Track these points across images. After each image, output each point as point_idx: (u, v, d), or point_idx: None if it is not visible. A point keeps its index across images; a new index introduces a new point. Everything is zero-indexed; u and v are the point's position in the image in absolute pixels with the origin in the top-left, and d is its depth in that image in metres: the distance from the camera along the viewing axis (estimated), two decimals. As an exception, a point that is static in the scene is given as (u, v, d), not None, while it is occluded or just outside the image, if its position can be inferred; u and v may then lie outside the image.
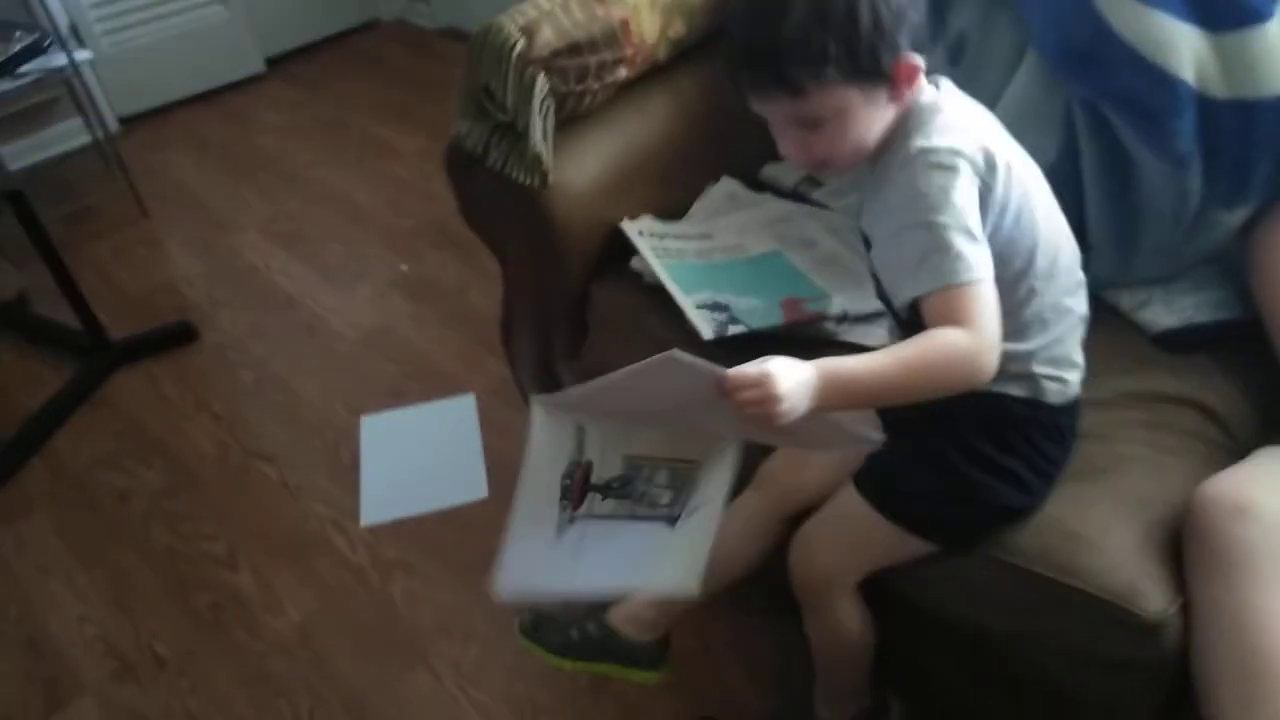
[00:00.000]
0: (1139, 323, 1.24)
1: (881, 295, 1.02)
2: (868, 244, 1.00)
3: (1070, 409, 1.04)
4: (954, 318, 0.85)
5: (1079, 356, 1.04)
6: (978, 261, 0.86)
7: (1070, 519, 1.00)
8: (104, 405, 2.04)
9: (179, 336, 2.18)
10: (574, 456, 1.05)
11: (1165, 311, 1.23)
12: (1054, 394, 1.00)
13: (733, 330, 1.17)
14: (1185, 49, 1.11)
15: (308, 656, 1.51)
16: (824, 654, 1.18)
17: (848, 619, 1.12)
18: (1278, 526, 0.93)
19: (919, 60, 0.89)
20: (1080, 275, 1.04)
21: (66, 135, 2.87)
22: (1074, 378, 1.03)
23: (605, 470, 1.05)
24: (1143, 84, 1.13)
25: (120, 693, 1.50)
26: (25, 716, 1.49)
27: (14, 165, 1.92)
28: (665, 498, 1.03)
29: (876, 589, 1.12)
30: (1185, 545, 0.98)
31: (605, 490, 1.04)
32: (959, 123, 0.92)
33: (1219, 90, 1.12)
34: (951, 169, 0.88)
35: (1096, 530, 0.99)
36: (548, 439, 1.04)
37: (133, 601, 1.63)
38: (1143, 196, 1.21)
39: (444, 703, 1.44)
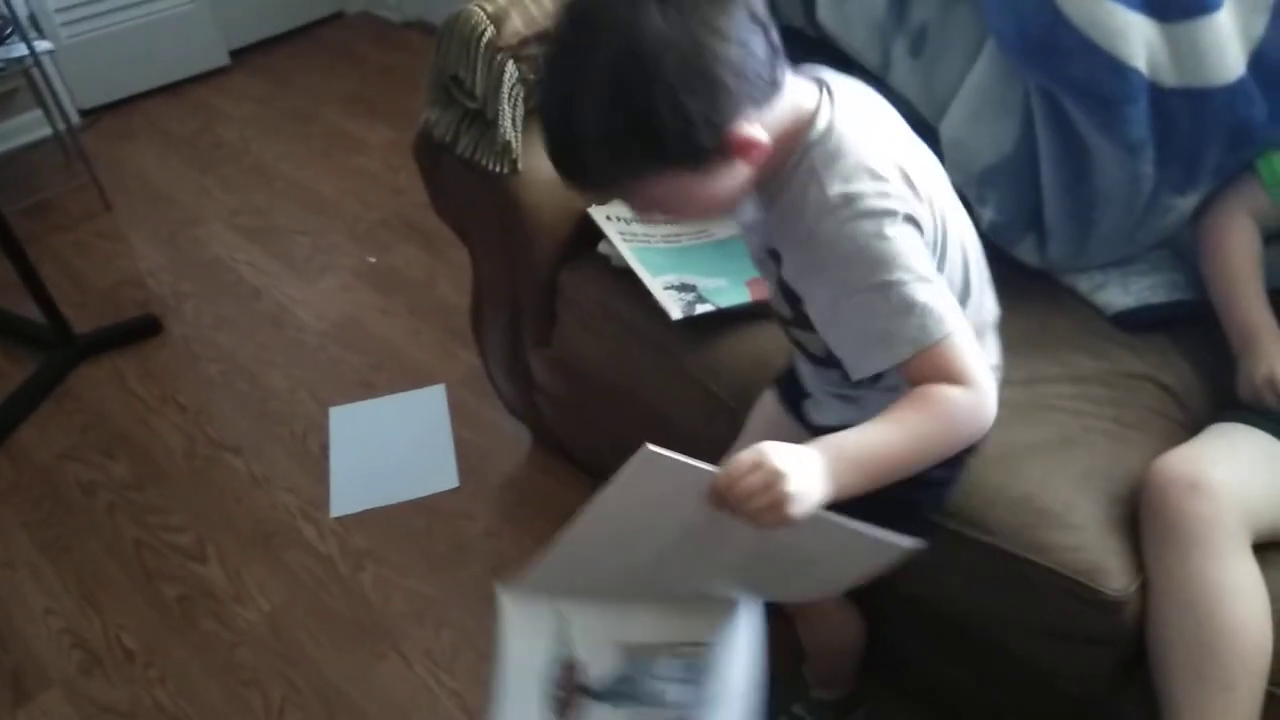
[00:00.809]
0: (1096, 304, 1.27)
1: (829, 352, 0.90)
2: (777, 259, 0.89)
3: None
4: (942, 377, 0.78)
5: (998, 358, 1.04)
6: (945, 307, 0.79)
7: (1038, 495, 1.03)
8: (68, 398, 2.02)
9: (144, 329, 2.16)
10: (557, 653, 0.88)
11: (1122, 293, 1.26)
12: None
13: (700, 309, 1.19)
14: (1137, 38, 1.14)
15: (278, 646, 1.51)
16: (817, 649, 1.23)
17: (839, 624, 1.16)
18: (1229, 502, 0.96)
19: (755, 132, 0.77)
20: (987, 270, 0.99)
21: (26, 127, 2.83)
22: (996, 379, 0.97)
23: (599, 667, 0.87)
24: (1096, 72, 1.16)
25: (88, 685, 1.49)
26: (-9, 710, 1.48)
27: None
28: (679, 693, 0.85)
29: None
30: (1142, 520, 1.01)
31: (603, 695, 0.87)
32: (866, 146, 0.81)
33: (1170, 79, 1.16)
34: (884, 213, 0.78)
35: (1062, 506, 1.02)
36: (523, 636, 0.87)
37: (100, 594, 1.62)
38: (1097, 183, 1.24)
39: (417, 689, 1.44)
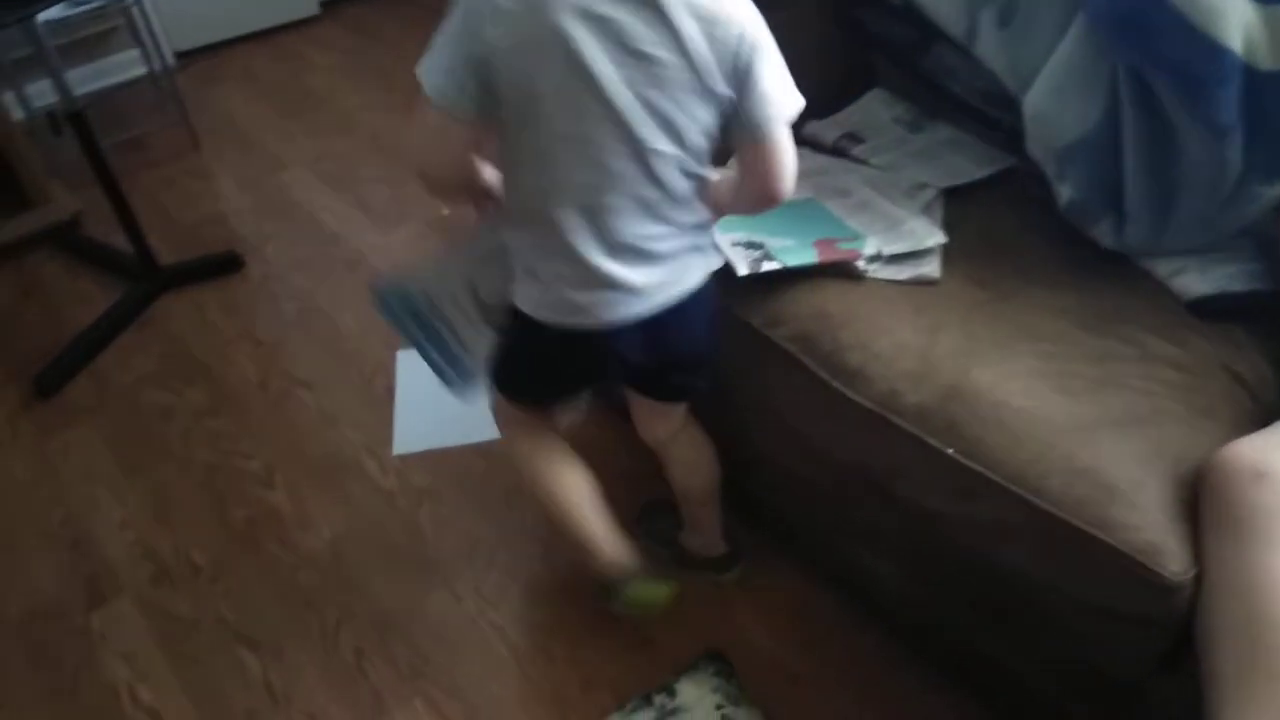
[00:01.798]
0: (1173, 289, 1.25)
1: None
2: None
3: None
4: None
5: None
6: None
7: (1104, 470, 1.03)
8: (150, 327, 2.11)
9: (225, 265, 2.24)
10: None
11: (1200, 279, 1.24)
12: None
13: (767, 266, 1.20)
14: (1235, 19, 1.11)
15: (337, 572, 1.57)
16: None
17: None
18: (1293, 494, 0.94)
19: None
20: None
21: (124, 66, 2.93)
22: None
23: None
24: (1190, 52, 1.13)
25: (157, 595, 1.57)
26: (69, 610, 1.56)
27: (73, 91, 1.98)
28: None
29: (909, 526, 1.15)
30: (1201, 505, 1.00)
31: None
32: None
33: (1266, 62, 1.12)
34: None
35: (1129, 484, 1.01)
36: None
37: (172, 512, 1.70)
38: (1182, 166, 1.22)
39: (464, 623, 1.49)
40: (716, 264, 1.13)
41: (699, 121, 0.99)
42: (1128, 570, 0.98)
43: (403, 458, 1.75)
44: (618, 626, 1.46)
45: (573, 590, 1.52)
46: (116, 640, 1.51)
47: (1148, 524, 0.99)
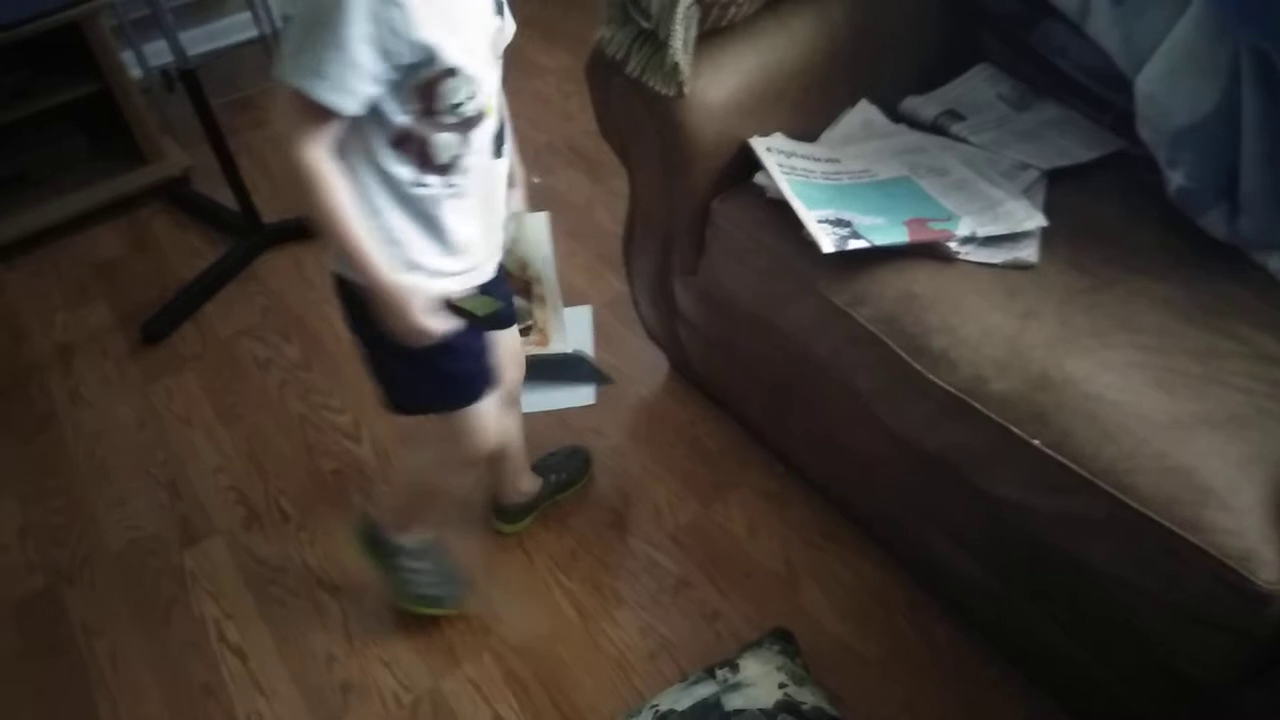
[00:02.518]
0: (1286, 285, 1.19)
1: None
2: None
3: None
4: None
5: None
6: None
7: (1199, 471, 0.99)
8: (253, 281, 2.19)
9: (323, 225, 2.30)
10: None
11: (1316, 276, 1.17)
12: None
13: (853, 245, 1.18)
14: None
15: (415, 527, 1.62)
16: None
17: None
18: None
19: None
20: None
21: (236, 28, 3.03)
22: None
23: None
24: (1323, 32, 1.06)
25: (247, 538, 1.65)
26: (165, 547, 1.65)
27: (187, 52, 2.06)
28: None
29: (989, 517, 1.13)
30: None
31: None
32: None
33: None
34: None
35: (1225, 487, 0.98)
36: None
37: (264, 459, 1.77)
38: (1307, 155, 1.15)
39: (535, 584, 1.52)
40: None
41: None
42: (1218, 576, 0.94)
43: (483, 420, 1.79)
44: (686, 598, 1.47)
45: (644, 561, 1.53)
46: (207, 579, 1.59)
47: (1243, 529, 0.95)
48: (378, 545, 1.45)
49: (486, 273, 1.17)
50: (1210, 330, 1.13)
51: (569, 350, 1.30)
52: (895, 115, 1.48)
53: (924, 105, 1.48)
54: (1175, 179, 1.25)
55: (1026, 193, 1.30)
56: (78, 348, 2.06)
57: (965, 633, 1.37)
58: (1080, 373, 1.09)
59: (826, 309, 1.24)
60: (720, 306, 1.50)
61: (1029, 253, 1.22)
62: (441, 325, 1.07)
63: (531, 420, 1.76)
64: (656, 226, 1.56)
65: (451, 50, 0.96)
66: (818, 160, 1.36)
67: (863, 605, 1.44)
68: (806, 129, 1.43)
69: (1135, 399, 1.06)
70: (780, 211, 1.27)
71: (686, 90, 1.32)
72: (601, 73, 1.43)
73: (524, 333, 1.08)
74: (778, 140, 1.37)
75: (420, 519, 1.44)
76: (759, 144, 1.35)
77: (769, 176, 1.31)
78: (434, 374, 1.16)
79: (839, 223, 1.21)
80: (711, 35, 1.34)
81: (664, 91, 1.32)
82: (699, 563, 1.52)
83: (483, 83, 1.02)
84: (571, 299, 2.01)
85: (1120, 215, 1.30)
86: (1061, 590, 1.14)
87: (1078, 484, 1.03)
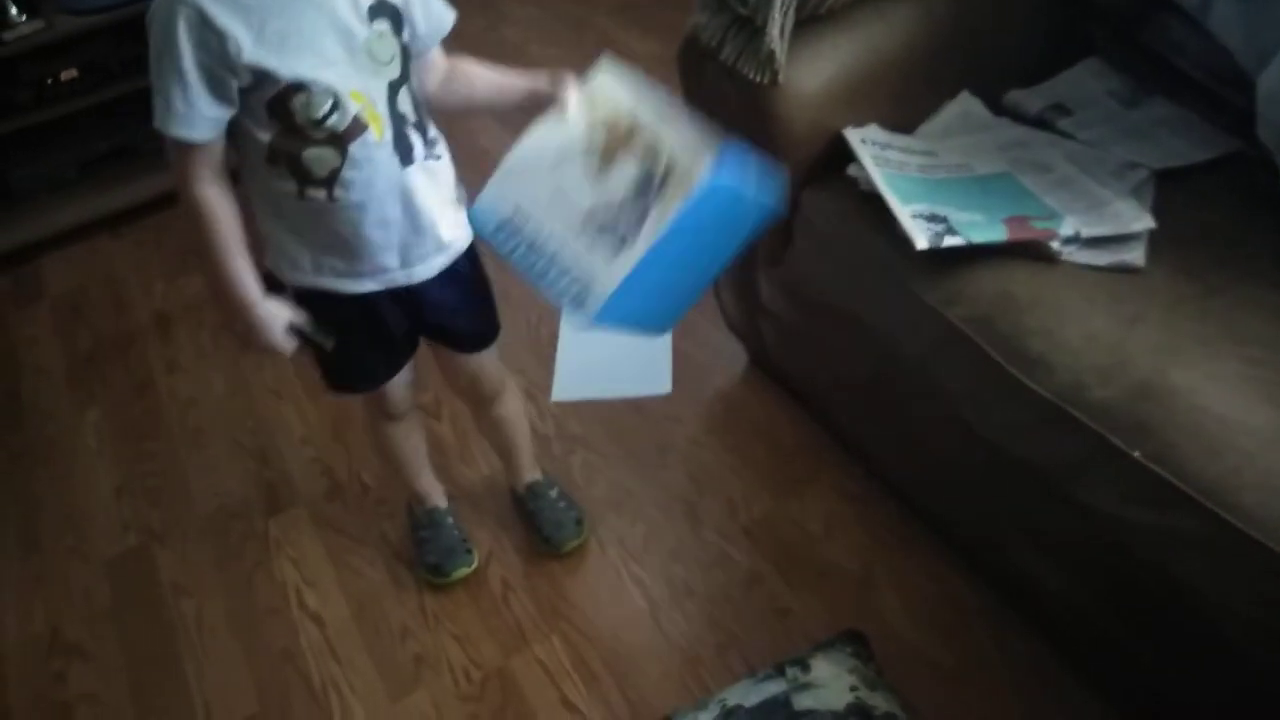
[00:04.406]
0: None
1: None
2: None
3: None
4: None
5: None
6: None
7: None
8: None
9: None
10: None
11: None
12: None
13: (949, 241, 1.14)
14: None
15: (491, 506, 1.63)
16: (516, 434, 1.53)
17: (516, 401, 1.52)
18: None
19: None
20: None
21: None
22: None
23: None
24: None
25: (329, 509, 1.69)
26: (250, 513, 1.70)
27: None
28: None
29: (1079, 530, 1.09)
30: None
31: None
32: None
33: None
34: None
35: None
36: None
37: (348, 434, 1.81)
38: None
39: (605, 571, 1.52)
40: None
41: None
42: (1326, 603, 0.89)
43: (560, 404, 1.80)
44: (757, 593, 1.46)
45: (716, 553, 1.52)
46: (290, 546, 1.63)
47: (1357, 556, 0.89)
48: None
49: (410, 276, 1.19)
50: (1327, 344, 1.07)
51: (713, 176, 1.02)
52: (998, 109, 1.43)
53: (1029, 99, 1.43)
54: (1298, 184, 1.18)
55: (1135, 193, 1.25)
56: (175, 317, 2.14)
57: (1046, 647, 1.33)
58: (1186, 383, 1.04)
59: (918, 307, 1.20)
60: (804, 300, 1.48)
61: (1136, 255, 1.17)
62: (289, 345, 1.14)
63: (609, 409, 1.76)
64: (743, 217, 1.54)
65: (294, 67, 0.98)
66: (914, 153, 1.32)
67: (939, 613, 1.40)
68: (903, 121, 1.40)
69: (1243, 413, 1.01)
70: (872, 205, 1.24)
71: (781, 79, 1.29)
72: (694, 60, 1.41)
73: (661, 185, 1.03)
74: (873, 131, 1.34)
75: (406, 488, 1.55)
76: (853, 135, 1.32)
77: (862, 168, 1.27)
78: (333, 368, 1.32)
79: (934, 218, 1.17)
80: (808, 23, 1.31)
81: (758, 79, 1.30)
82: (771, 558, 1.50)
83: (347, 94, 1.01)
84: (653, 287, 2.01)
85: (1233, 219, 1.24)
86: (1153, 610, 1.09)
87: (1179, 499, 0.98)
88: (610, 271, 1.01)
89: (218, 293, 1.11)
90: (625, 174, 1.02)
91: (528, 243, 1.05)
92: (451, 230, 1.20)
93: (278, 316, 1.12)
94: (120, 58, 2.32)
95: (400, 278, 1.19)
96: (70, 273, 2.32)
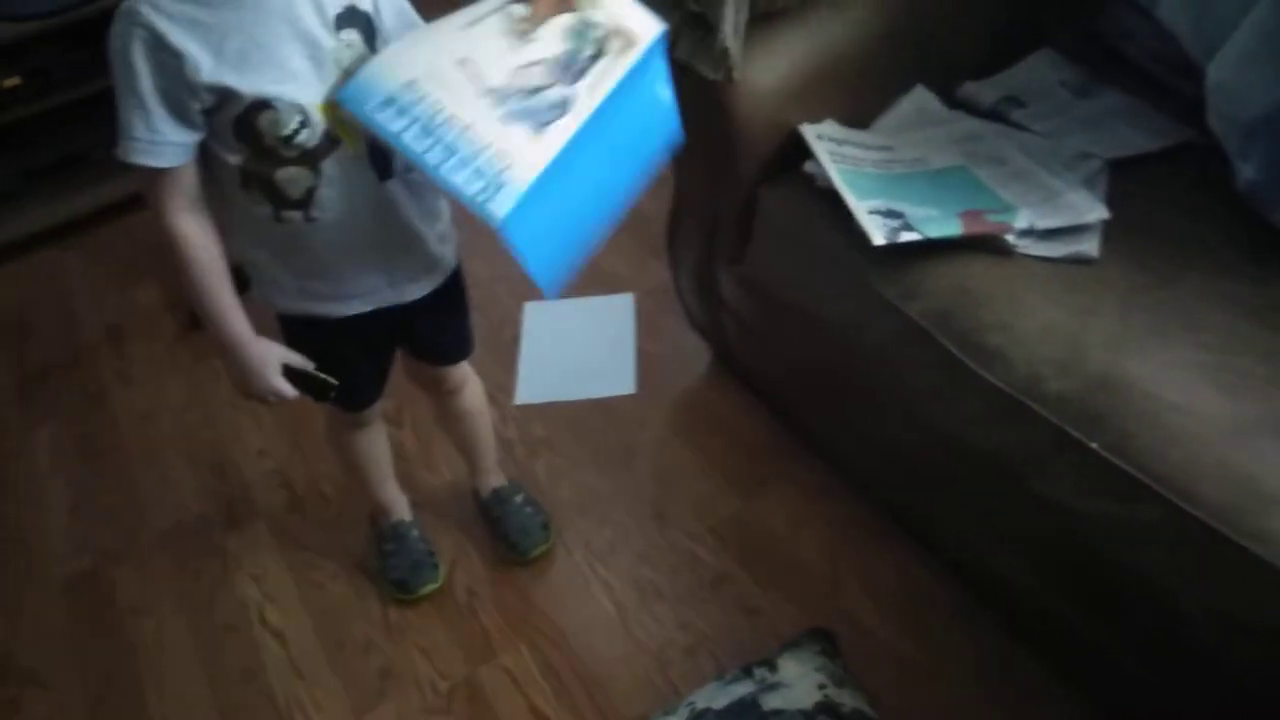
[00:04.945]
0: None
1: None
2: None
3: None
4: None
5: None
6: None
7: (1266, 478, 0.94)
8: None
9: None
10: None
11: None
12: None
13: (905, 237, 1.14)
14: None
15: (455, 513, 1.61)
16: (478, 428, 1.51)
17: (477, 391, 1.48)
18: None
19: None
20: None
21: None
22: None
23: None
24: None
25: (289, 522, 1.66)
26: (209, 528, 1.67)
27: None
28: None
29: (1041, 522, 1.09)
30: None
31: None
32: None
33: None
34: None
35: (1292, 496, 0.93)
36: None
37: (307, 444, 1.78)
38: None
39: (572, 576, 1.51)
40: None
41: None
42: (1283, 588, 0.90)
43: (523, 407, 1.78)
44: (726, 593, 1.45)
45: (684, 554, 1.51)
46: (250, 562, 1.60)
47: (1313, 541, 0.90)
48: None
49: (400, 295, 1.16)
50: (1278, 330, 1.08)
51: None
52: (953, 101, 1.44)
53: (982, 91, 1.43)
54: (1245, 171, 1.19)
55: (1088, 184, 1.25)
56: (128, 329, 2.09)
57: (1011, 638, 1.33)
58: (1142, 373, 1.04)
59: (876, 303, 1.20)
60: (765, 297, 1.47)
61: (1090, 246, 1.18)
62: (288, 390, 1.10)
63: (573, 410, 1.75)
64: (701, 213, 1.53)
65: (256, 84, 0.94)
66: (870, 148, 1.32)
67: (906, 607, 1.40)
68: (859, 115, 1.39)
69: (1199, 402, 1.01)
70: (830, 201, 1.23)
71: (736, 76, 1.28)
72: (648, 57, 1.40)
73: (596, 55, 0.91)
74: (829, 127, 1.33)
75: (370, 499, 1.52)
76: (809, 131, 1.31)
77: (819, 165, 1.27)
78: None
79: (891, 214, 1.17)
80: (762, 19, 1.31)
81: (713, 77, 1.29)
82: (739, 558, 1.50)
83: (315, 109, 0.97)
84: (613, 285, 1.99)
85: (1186, 208, 1.24)
86: (1114, 599, 1.10)
87: (1137, 490, 0.98)
88: (533, 153, 0.87)
89: (209, 332, 1.07)
90: (550, 42, 0.89)
91: (421, 124, 0.86)
92: (440, 247, 1.18)
93: (272, 358, 1.09)
94: (66, 64, 2.26)
95: (390, 296, 1.16)
96: (18, 287, 2.26)
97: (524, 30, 0.90)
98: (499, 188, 0.86)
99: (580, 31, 0.90)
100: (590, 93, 0.89)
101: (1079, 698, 1.26)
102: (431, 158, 0.86)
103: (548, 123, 0.89)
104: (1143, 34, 1.38)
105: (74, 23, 2.10)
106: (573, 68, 0.90)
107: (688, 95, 1.33)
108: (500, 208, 0.85)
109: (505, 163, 0.87)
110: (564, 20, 0.90)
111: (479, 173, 0.86)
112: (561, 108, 0.89)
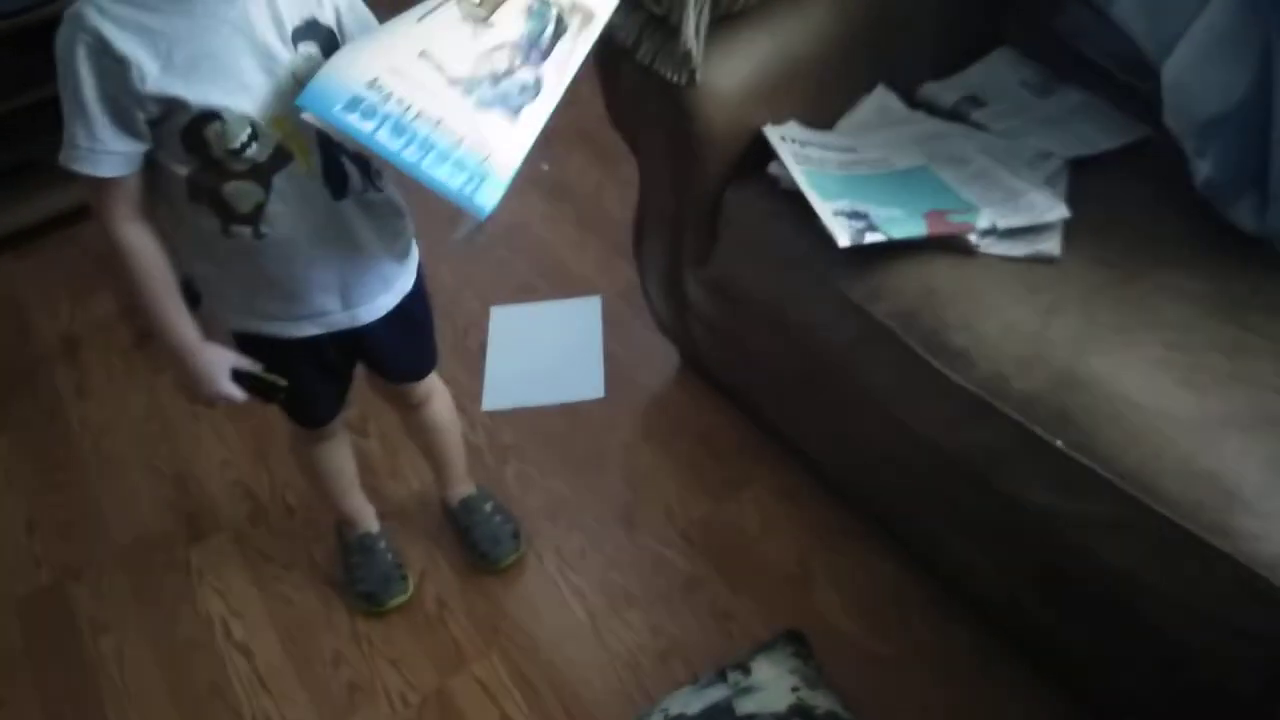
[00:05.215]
0: (1319, 282, 1.14)
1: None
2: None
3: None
4: None
5: None
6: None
7: (1227, 474, 0.96)
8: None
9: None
10: None
11: (1351, 271, 1.13)
12: None
13: (870, 238, 1.14)
14: None
15: (423, 522, 1.59)
16: (447, 440, 1.49)
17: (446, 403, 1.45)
18: None
19: None
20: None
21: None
22: None
23: None
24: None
25: (253, 533, 1.63)
26: (171, 543, 1.63)
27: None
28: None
29: (1008, 519, 1.09)
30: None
31: None
32: None
33: None
34: None
35: (1255, 491, 0.94)
36: None
37: (271, 454, 1.75)
38: (1343, 144, 1.11)
39: (543, 583, 1.50)
40: None
41: None
42: (1246, 584, 0.91)
43: (491, 414, 1.76)
44: (698, 597, 1.45)
45: (655, 559, 1.51)
46: (214, 576, 1.57)
47: (1271, 534, 0.92)
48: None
49: (354, 319, 1.14)
50: (1239, 326, 1.09)
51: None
52: (914, 101, 1.44)
53: (943, 91, 1.44)
54: (1203, 169, 1.20)
55: (1048, 182, 1.26)
56: (84, 340, 2.04)
57: (983, 633, 1.34)
58: (1105, 371, 1.05)
59: (842, 304, 1.20)
60: (732, 299, 1.47)
61: (1051, 245, 1.19)
62: (237, 394, 1.09)
63: (542, 416, 1.74)
64: (667, 216, 1.53)
65: (204, 94, 0.92)
66: (833, 149, 1.32)
67: (878, 605, 1.41)
68: (822, 116, 1.39)
69: (1161, 398, 1.03)
70: (795, 202, 1.24)
71: (698, 78, 1.28)
72: (611, 59, 1.39)
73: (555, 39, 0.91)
74: (792, 129, 1.34)
75: (335, 511, 1.50)
76: (773, 133, 1.31)
77: (783, 166, 1.27)
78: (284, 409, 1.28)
79: (855, 215, 1.17)
80: (724, 21, 1.30)
81: (675, 79, 1.29)
82: (711, 561, 1.49)
83: (267, 122, 0.95)
84: (579, 288, 1.98)
85: (1146, 206, 1.26)
86: (1083, 595, 1.11)
87: (1101, 487, 1.00)
88: (512, 139, 0.86)
89: (157, 340, 1.06)
90: (510, 25, 0.88)
91: (392, 122, 0.85)
92: (398, 266, 1.16)
93: (221, 362, 1.07)
94: (15, 69, 2.21)
95: (343, 320, 1.14)
96: (-32, 297, 2.21)
97: (480, 15, 0.89)
98: (483, 178, 0.86)
99: (538, 10, 0.89)
100: (559, 71, 0.89)
101: (1053, 691, 1.27)
102: (409, 156, 0.85)
103: (520, 106, 0.88)
104: (1100, 33, 1.40)
105: (24, 27, 2.05)
106: (537, 48, 0.89)
107: (652, 99, 1.34)
108: (488, 199, 0.85)
109: (485, 152, 0.86)
110: (520, 1, 0.89)
111: (460, 165, 0.85)
112: (533, 89, 0.89)
